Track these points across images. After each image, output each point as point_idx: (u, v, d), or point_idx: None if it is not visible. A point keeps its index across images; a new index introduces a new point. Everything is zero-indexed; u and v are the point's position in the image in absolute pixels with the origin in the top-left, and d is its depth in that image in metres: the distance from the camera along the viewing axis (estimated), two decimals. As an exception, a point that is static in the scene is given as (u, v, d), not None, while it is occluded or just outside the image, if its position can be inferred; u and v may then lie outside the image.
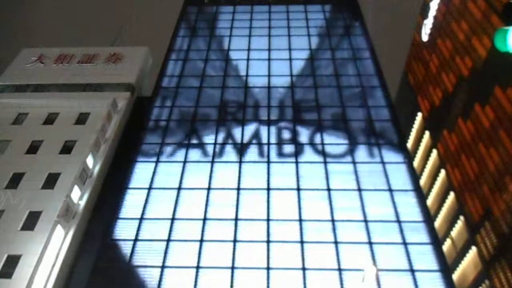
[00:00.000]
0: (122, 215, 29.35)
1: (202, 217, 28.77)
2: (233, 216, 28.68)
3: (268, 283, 24.94)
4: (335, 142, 33.91)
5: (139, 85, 44.93)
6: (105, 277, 25.86)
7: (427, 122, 44.81)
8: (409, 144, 48.06)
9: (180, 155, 33.56)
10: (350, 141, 34.02)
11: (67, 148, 35.98)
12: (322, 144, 33.71)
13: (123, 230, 28.32)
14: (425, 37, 47.18)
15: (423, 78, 46.90)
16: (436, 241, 27.27)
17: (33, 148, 36.17)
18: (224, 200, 29.86)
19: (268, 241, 27.11)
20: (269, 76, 41.07)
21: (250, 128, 35.55)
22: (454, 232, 36.55)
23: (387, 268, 25.43)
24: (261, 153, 33.21)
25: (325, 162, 32.21)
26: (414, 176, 31.53)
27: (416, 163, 45.47)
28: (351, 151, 33.16)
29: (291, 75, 41.03)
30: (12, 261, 27.93)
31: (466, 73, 36.82)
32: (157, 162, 33.02)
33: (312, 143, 33.85)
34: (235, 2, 53.25)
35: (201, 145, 34.23)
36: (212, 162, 32.69)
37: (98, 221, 31.94)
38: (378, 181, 30.89)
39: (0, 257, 28.16)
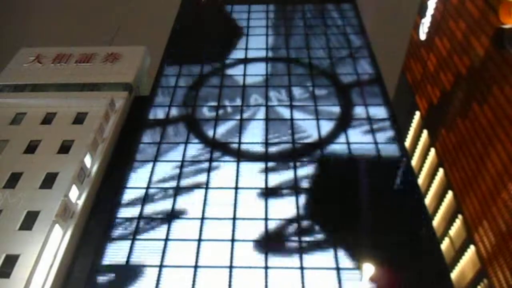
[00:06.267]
0: (120, 214, 29.32)
1: (200, 216, 28.79)
2: (231, 215, 28.69)
3: (266, 282, 24.95)
4: (333, 141, 33.91)
5: (137, 84, 44.92)
6: (103, 277, 25.83)
7: (425, 121, 44.87)
8: (407, 142, 48.11)
9: (178, 154, 33.53)
10: (348, 139, 34.02)
11: (65, 148, 36.03)
12: (320, 142, 33.71)
13: (121, 229, 28.29)
14: (423, 36, 47.24)
15: (421, 77, 46.96)
16: (434, 239, 27.27)
17: (31, 148, 36.21)
18: (222, 199, 29.87)
19: (266, 240, 27.11)
20: (266, 75, 41.09)
21: (248, 126, 35.58)
22: (452, 231, 36.60)
23: (385, 267, 25.42)
24: (259, 152, 33.22)
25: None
26: (412, 175, 31.54)
27: (414, 162, 45.52)
28: (349, 149, 33.15)
29: (289, 74, 41.05)
30: (10, 261, 27.95)
31: (464, 72, 36.86)
32: (155, 161, 33.00)
33: (309, 142, 33.84)
34: (233, 1, 53.25)
35: (199, 144, 34.24)
36: (210, 161, 32.68)
37: (96, 220, 31.97)
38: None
39: (-2, 257, 28.19)
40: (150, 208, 29.63)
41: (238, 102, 38.09)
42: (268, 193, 30.08)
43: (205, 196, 30.06)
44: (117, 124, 39.02)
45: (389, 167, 31.91)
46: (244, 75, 41.25)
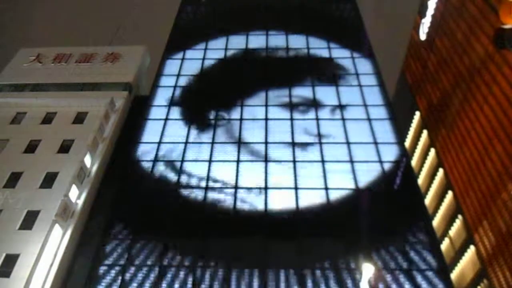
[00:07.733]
0: (120, 214, 29.30)
1: (200, 216, 28.81)
2: (231, 214, 28.71)
3: (266, 282, 24.95)
4: (332, 141, 33.91)
5: (137, 84, 44.92)
6: (103, 277, 25.83)
7: (425, 121, 44.83)
8: (407, 143, 48.06)
9: (177, 155, 33.52)
10: (348, 140, 34.04)
11: (65, 147, 36.07)
12: (320, 143, 33.70)
13: (122, 230, 28.28)
14: (423, 36, 47.18)
15: (421, 77, 46.91)
16: (434, 240, 27.27)
17: (31, 148, 36.25)
18: (222, 199, 29.89)
19: (266, 238, 27.13)
20: (266, 73, 41.09)
21: (248, 124, 35.62)
22: (452, 231, 36.57)
23: (385, 267, 25.43)
24: (259, 152, 33.25)
25: (322, 161, 32.20)
26: (412, 175, 31.54)
27: (414, 162, 45.49)
28: (349, 150, 33.15)
29: (289, 74, 41.04)
30: (11, 260, 27.99)
31: (464, 72, 36.84)
32: (154, 161, 32.99)
33: (309, 142, 33.83)
34: (232, 1, 53.23)
35: (198, 144, 34.27)
36: (210, 161, 32.68)
37: (96, 220, 31.96)
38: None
39: (-2, 256, 28.22)
40: (149, 208, 29.66)
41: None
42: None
43: (205, 196, 30.09)
44: (117, 123, 39.03)
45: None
46: (244, 74, 41.30)
